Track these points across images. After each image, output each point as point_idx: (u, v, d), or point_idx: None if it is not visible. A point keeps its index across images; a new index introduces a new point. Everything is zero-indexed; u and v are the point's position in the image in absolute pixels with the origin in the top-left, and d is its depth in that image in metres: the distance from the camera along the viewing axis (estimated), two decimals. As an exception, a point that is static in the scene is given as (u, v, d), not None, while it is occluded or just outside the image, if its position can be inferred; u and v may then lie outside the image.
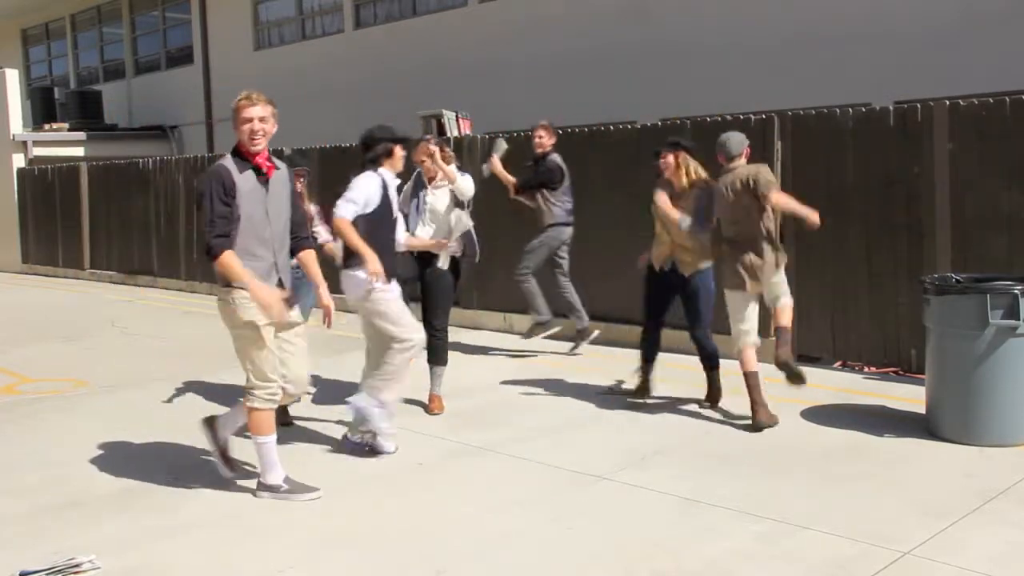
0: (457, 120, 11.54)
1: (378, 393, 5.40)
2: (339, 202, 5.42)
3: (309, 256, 4.90)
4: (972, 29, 10.20)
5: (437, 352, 6.41)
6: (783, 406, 6.33)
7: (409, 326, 5.48)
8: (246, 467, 5.27)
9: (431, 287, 6.39)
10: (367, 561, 3.96)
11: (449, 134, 11.09)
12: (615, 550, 3.98)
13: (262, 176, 4.56)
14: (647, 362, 6.59)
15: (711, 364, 6.45)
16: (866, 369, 7.48)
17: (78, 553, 4.00)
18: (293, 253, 4.81)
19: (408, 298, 5.79)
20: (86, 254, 16.71)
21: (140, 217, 15.27)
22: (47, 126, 20.99)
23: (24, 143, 18.86)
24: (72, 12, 25.09)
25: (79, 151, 19.88)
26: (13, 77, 18.95)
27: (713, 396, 6.48)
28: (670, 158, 6.29)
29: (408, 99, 15.13)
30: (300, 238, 4.85)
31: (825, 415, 6.13)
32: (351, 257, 5.44)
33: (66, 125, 20.92)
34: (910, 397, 6.38)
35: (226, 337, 4.71)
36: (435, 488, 4.86)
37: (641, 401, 6.52)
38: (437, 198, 6.45)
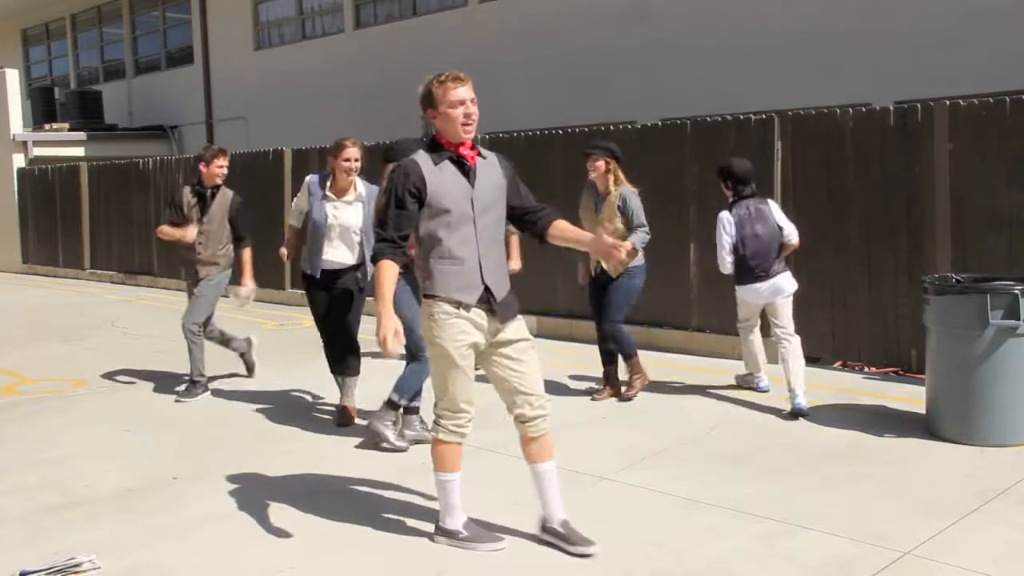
0: (457, 120, 11.51)
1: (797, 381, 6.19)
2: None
3: (562, 225, 4.06)
4: (972, 29, 10.21)
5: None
6: (784, 406, 6.33)
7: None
8: (247, 469, 5.27)
9: (344, 302, 6.20)
10: (367, 561, 3.95)
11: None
12: (615, 550, 3.98)
13: (464, 167, 3.92)
14: (609, 364, 6.77)
15: (611, 359, 6.71)
16: (866, 369, 7.48)
17: (78, 553, 4.00)
18: (542, 232, 4.06)
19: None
20: (86, 254, 16.72)
21: (140, 217, 15.28)
22: (47, 126, 21.02)
23: (24, 143, 18.87)
24: (72, 12, 25.11)
25: (79, 151, 19.89)
26: (13, 77, 18.96)
27: (615, 389, 6.73)
28: (600, 163, 6.52)
29: (408, 99, 15.11)
30: (542, 212, 4.07)
31: (825, 415, 6.13)
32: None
33: (66, 125, 20.93)
34: (910, 397, 6.38)
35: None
36: (434, 487, 4.85)
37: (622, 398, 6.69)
38: (347, 214, 6.09)
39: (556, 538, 3.99)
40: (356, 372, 6.32)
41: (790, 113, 8.08)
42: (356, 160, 6.02)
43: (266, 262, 12.78)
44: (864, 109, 7.61)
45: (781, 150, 7.89)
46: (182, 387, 7.19)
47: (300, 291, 8.69)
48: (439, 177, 3.87)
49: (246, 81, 19.79)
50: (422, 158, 3.91)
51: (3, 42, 27.62)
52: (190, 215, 7.04)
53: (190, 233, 6.97)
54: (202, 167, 7.04)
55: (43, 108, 21.97)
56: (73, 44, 25.63)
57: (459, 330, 3.87)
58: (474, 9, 15.70)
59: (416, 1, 16.80)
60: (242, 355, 7.61)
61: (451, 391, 3.94)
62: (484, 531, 4.10)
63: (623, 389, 6.67)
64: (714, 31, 12.44)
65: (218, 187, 7.10)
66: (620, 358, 6.69)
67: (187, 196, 7.10)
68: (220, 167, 7.03)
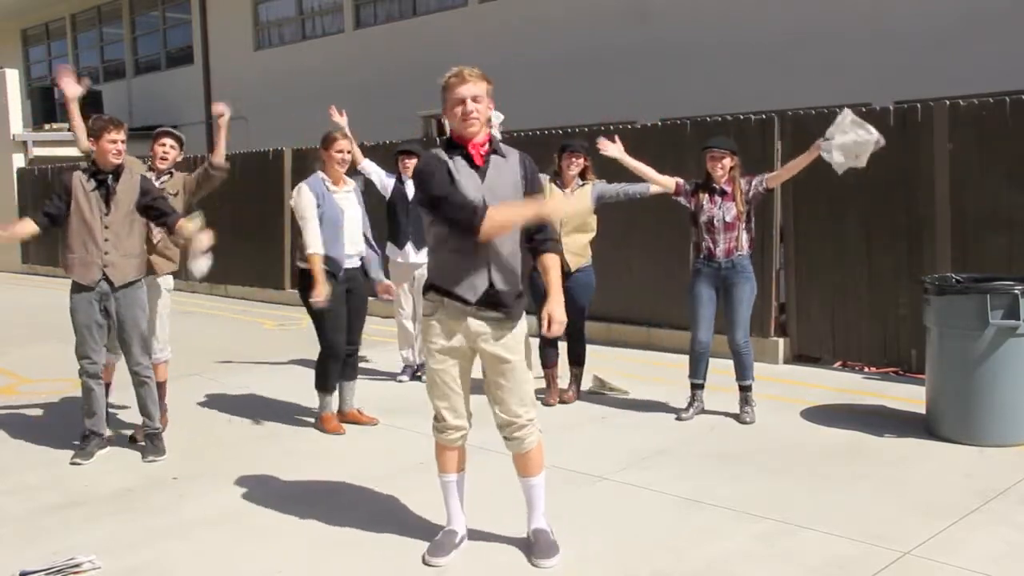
0: (457, 120, 11.53)
1: None
2: None
3: (547, 263, 3.92)
4: (972, 29, 10.21)
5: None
6: (784, 406, 6.33)
7: None
8: (247, 469, 5.27)
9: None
10: (367, 561, 3.96)
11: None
12: (615, 550, 3.98)
13: (473, 163, 3.84)
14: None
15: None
16: (866, 369, 7.48)
17: (78, 553, 4.00)
18: (535, 258, 3.95)
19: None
20: (86, 254, 16.70)
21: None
22: (47, 126, 21.00)
23: (24, 143, 18.86)
24: (72, 12, 25.12)
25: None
26: (13, 77, 18.96)
27: None
28: (582, 160, 6.57)
29: (408, 99, 15.14)
30: (545, 239, 3.93)
31: (825, 415, 6.13)
32: None
33: (66, 125, 20.86)
34: (910, 397, 6.38)
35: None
36: (436, 488, 4.85)
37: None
38: (350, 203, 6.02)
39: (527, 546, 3.98)
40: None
41: (790, 113, 8.07)
42: (348, 152, 6.00)
43: (266, 261, 12.82)
44: (864, 109, 7.60)
45: (781, 150, 7.89)
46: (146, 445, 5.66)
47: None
48: (458, 171, 3.82)
49: (246, 81, 19.79)
50: (441, 154, 3.90)
51: (3, 42, 27.63)
52: (87, 206, 5.46)
53: (19, 229, 5.41)
54: (91, 143, 5.61)
55: (43, 108, 21.96)
56: (73, 44, 25.64)
57: (436, 332, 3.86)
58: (474, 9, 15.70)
59: (416, 1, 16.80)
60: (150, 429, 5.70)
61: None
62: (443, 542, 4.00)
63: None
64: (714, 31, 12.45)
65: (121, 168, 5.60)
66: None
67: (79, 181, 5.51)
68: (112, 141, 5.52)
